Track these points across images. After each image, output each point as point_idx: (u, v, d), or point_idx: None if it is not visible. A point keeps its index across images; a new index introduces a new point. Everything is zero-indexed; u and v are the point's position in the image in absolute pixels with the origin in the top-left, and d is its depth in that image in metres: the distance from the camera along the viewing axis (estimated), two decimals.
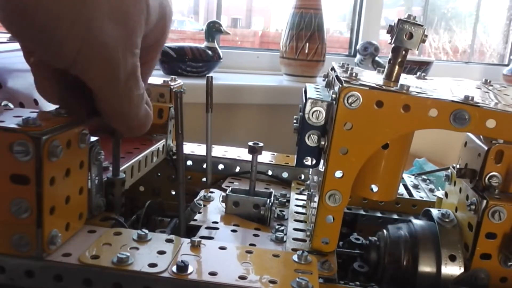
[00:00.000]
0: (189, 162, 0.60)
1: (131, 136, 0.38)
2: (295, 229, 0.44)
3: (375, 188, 0.39)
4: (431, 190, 0.59)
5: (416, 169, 0.90)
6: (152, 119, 0.38)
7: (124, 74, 0.32)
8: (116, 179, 0.42)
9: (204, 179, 0.57)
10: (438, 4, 1.99)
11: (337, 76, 0.39)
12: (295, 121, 0.41)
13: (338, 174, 0.37)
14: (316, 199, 0.40)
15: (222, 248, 0.35)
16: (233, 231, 0.44)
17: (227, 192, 0.48)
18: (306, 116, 0.38)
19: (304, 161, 0.40)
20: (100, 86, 0.32)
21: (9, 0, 0.27)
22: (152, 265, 0.31)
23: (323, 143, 0.38)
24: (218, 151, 0.62)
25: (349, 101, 0.35)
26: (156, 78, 0.60)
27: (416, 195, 0.57)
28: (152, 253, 0.33)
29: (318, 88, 0.44)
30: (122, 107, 0.34)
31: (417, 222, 0.43)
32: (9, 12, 0.28)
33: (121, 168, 0.43)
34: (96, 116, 0.35)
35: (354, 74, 0.38)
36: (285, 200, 0.52)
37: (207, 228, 0.44)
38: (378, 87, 0.36)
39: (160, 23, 0.35)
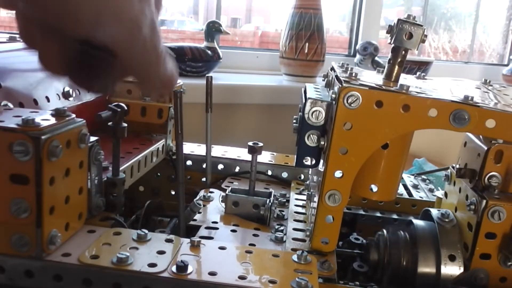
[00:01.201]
0: (189, 162, 0.60)
1: (161, 93, 0.36)
2: (294, 229, 0.44)
3: (374, 188, 0.39)
4: (431, 190, 0.59)
5: (415, 169, 0.90)
6: (177, 78, 0.37)
7: (148, 29, 0.32)
8: (117, 179, 0.42)
9: (203, 179, 0.57)
10: (438, 4, 1.99)
11: (336, 76, 0.39)
12: (294, 121, 0.41)
13: (338, 174, 0.37)
14: (315, 199, 0.40)
15: (221, 248, 0.35)
16: (233, 231, 0.44)
17: (227, 192, 0.48)
18: (306, 116, 0.38)
19: (304, 161, 0.40)
20: (126, 46, 0.32)
21: None
22: (152, 265, 0.31)
23: (322, 143, 0.38)
24: (218, 151, 0.62)
25: (349, 101, 0.35)
26: None
27: (416, 195, 0.57)
28: (151, 253, 0.33)
29: (317, 88, 0.44)
30: (152, 63, 0.33)
31: (417, 222, 0.43)
32: None
33: (120, 168, 0.43)
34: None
35: (353, 74, 0.38)
36: (284, 200, 0.52)
37: (207, 228, 0.44)
38: (377, 87, 0.36)
39: None
